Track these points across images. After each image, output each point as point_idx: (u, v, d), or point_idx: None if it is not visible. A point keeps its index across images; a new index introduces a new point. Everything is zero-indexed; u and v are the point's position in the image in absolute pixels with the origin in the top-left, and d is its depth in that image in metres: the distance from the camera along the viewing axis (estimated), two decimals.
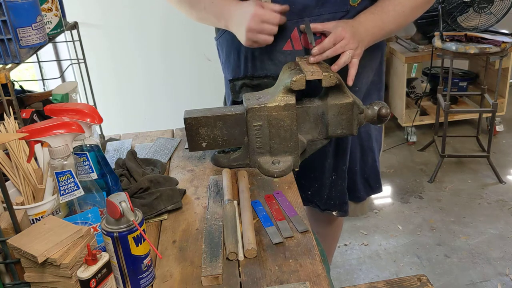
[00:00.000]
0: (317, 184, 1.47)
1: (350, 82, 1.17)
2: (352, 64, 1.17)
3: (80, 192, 0.89)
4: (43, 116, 1.13)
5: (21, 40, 1.03)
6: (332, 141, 1.38)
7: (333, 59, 1.23)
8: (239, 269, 0.91)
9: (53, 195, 0.94)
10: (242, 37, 1.19)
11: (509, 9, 2.71)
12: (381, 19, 1.21)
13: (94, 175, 0.94)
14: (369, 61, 1.35)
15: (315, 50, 1.13)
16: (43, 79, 1.54)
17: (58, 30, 1.20)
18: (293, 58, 1.28)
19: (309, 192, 1.49)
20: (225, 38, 1.38)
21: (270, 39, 1.17)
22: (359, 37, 1.17)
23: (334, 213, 1.52)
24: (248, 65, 1.34)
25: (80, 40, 1.35)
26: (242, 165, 1.24)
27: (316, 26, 1.18)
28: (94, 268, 0.78)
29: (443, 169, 3.00)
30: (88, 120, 0.94)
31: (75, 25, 1.31)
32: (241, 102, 1.39)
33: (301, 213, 1.06)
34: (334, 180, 1.46)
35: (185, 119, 1.19)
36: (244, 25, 1.16)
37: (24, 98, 1.29)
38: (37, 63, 1.62)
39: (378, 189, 1.58)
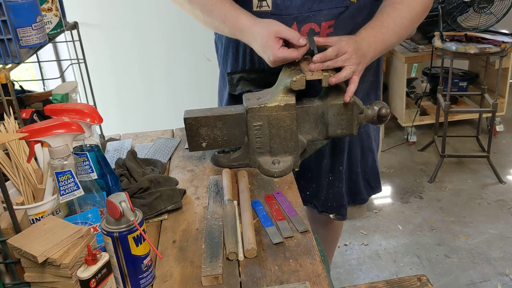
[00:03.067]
0: (314, 185, 1.47)
1: (347, 98, 1.14)
2: (352, 81, 1.14)
3: (80, 192, 0.89)
4: (43, 116, 1.13)
5: (21, 40, 1.03)
6: (330, 141, 1.37)
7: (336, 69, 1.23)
8: (239, 269, 0.91)
9: (53, 195, 0.94)
10: (266, 61, 1.18)
11: (509, 9, 2.71)
12: (382, 33, 1.19)
13: (94, 175, 0.94)
14: None
15: (316, 57, 1.11)
16: (43, 79, 1.54)
17: (58, 30, 1.20)
18: None
19: (308, 193, 1.49)
20: None
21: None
22: (362, 52, 1.15)
23: (331, 216, 1.51)
24: (246, 59, 1.35)
25: (80, 40, 1.35)
26: (242, 165, 1.24)
27: (318, 40, 1.15)
28: (94, 268, 0.78)
29: (443, 169, 3.00)
30: (88, 120, 0.94)
31: (75, 25, 1.31)
32: (237, 95, 1.40)
33: (301, 213, 1.06)
34: (331, 181, 1.46)
35: (185, 119, 1.19)
36: (266, 58, 1.15)
37: (24, 98, 1.29)
38: (37, 63, 1.62)
39: (378, 189, 1.58)
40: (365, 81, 1.38)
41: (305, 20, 1.22)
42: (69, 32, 1.30)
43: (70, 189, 0.87)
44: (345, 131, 1.21)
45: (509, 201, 2.68)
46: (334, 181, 1.46)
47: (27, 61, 1.09)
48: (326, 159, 1.42)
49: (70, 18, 1.32)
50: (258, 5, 1.21)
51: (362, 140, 1.46)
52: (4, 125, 0.94)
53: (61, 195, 0.87)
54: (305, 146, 1.22)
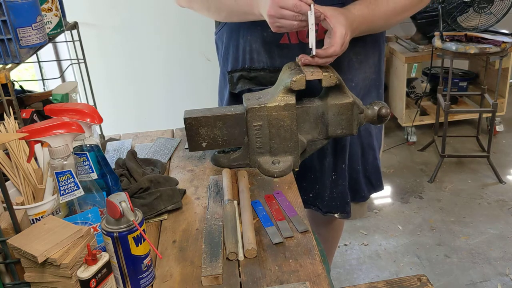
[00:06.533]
0: (318, 186, 1.47)
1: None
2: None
3: (80, 192, 0.89)
4: (43, 116, 1.13)
5: (21, 40, 1.03)
6: (331, 139, 1.37)
7: (335, 65, 1.22)
8: (239, 269, 0.91)
9: (53, 195, 0.94)
10: (268, 23, 1.13)
11: (509, 9, 2.71)
12: (372, 15, 1.19)
13: (94, 175, 0.94)
14: (366, 58, 1.35)
15: (320, 52, 1.10)
16: (43, 79, 1.54)
17: (58, 30, 1.20)
18: (288, 51, 1.28)
19: (311, 195, 1.49)
20: (224, 31, 1.39)
21: (292, 24, 1.09)
22: (351, 34, 1.14)
23: (336, 215, 1.51)
24: (246, 58, 1.35)
25: (80, 40, 1.34)
26: (242, 165, 1.24)
27: (317, 9, 1.10)
28: (94, 268, 0.78)
29: (443, 169, 3.00)
30: (88, 120, 0.94)
31: (75, 25, 1.31)
32: (238, 94, 1.40)
33: (301, 213, 1.06)
34: (334, 179, 1.46)
35: (185, 119, 1.19)
36: (266, 10, 1.10)
37: (24, 98, 1.29)
38: (37, 63, 1.62)
39: (379, 187, 1.58)
40: (365, 78, 1.38)
41: None
42: (69, 32, 1.30)
43: (70, 189, 0.87)
44: (345, 131, 1.21)
45: (509, 201, 2.68)
46: (337, 179, 1.46)
47: (27, 61, 1.09)
48: (329, 158, 1.42)
49: (70, 18, 1.32)
50: None
51: (362, 138, 1.46)
52: (4, 125, 0.94)
53: (61, 195, 0.87)
54: (305, 146, 1.22)
